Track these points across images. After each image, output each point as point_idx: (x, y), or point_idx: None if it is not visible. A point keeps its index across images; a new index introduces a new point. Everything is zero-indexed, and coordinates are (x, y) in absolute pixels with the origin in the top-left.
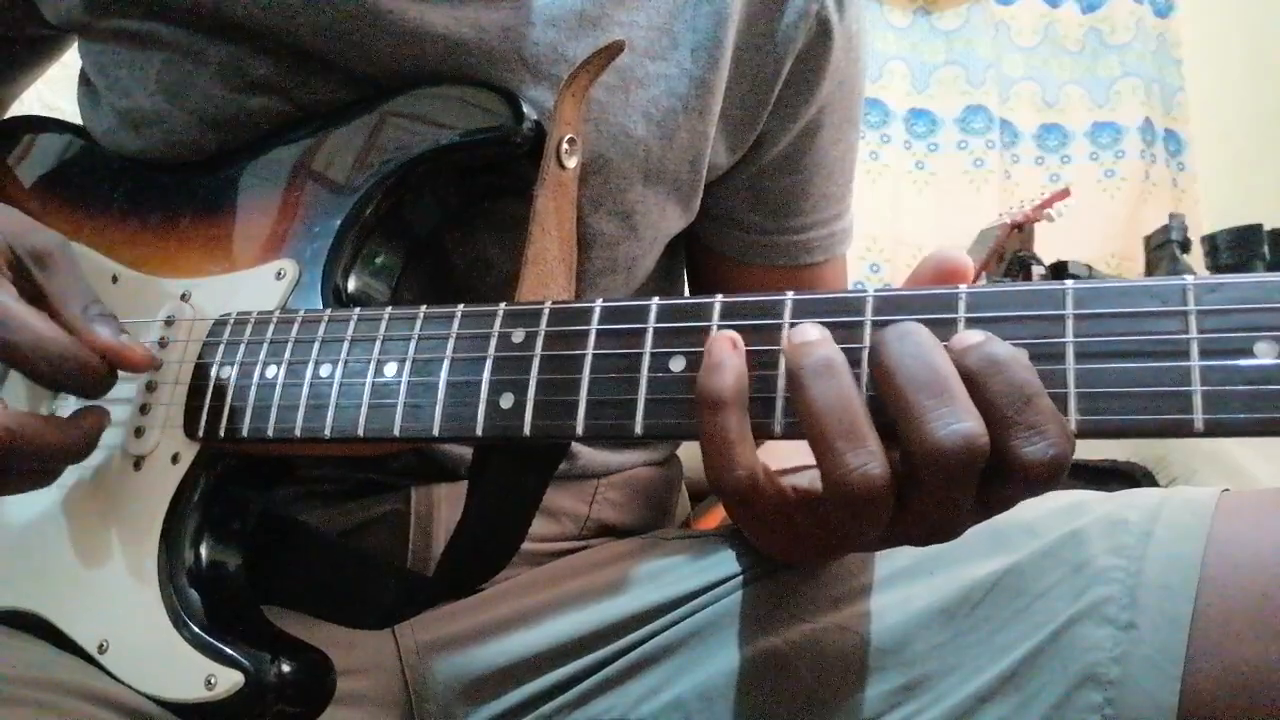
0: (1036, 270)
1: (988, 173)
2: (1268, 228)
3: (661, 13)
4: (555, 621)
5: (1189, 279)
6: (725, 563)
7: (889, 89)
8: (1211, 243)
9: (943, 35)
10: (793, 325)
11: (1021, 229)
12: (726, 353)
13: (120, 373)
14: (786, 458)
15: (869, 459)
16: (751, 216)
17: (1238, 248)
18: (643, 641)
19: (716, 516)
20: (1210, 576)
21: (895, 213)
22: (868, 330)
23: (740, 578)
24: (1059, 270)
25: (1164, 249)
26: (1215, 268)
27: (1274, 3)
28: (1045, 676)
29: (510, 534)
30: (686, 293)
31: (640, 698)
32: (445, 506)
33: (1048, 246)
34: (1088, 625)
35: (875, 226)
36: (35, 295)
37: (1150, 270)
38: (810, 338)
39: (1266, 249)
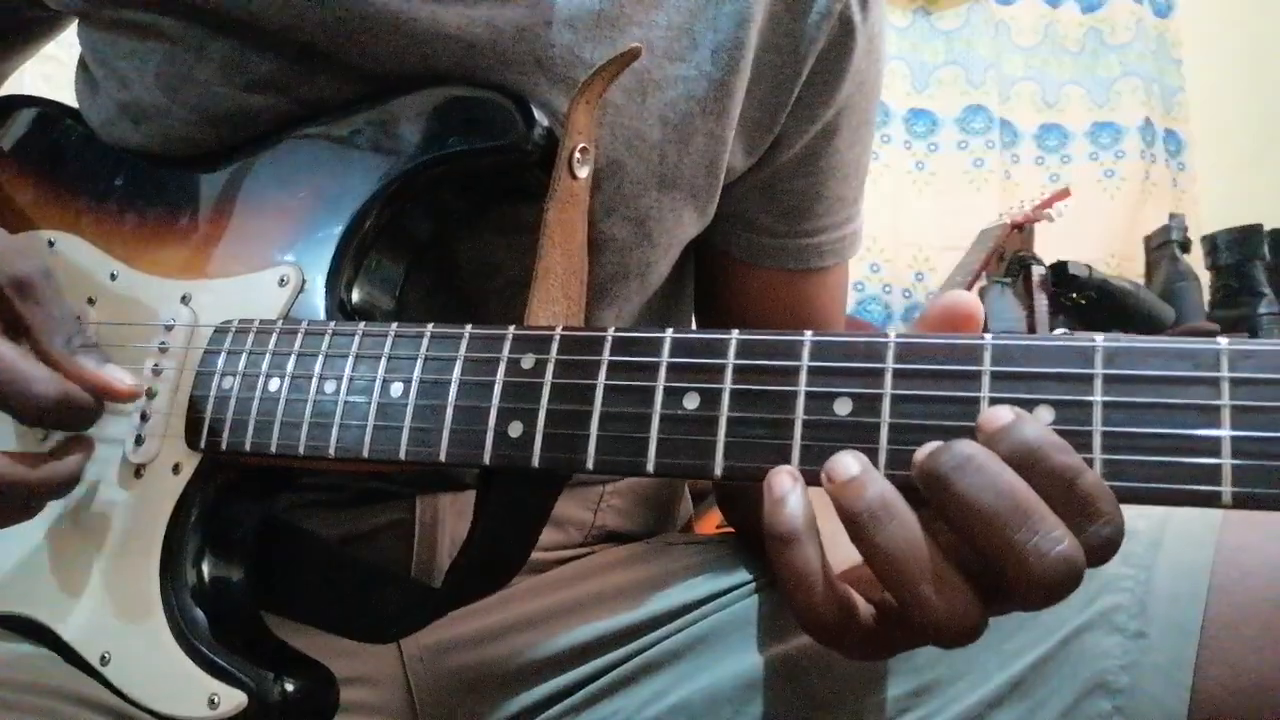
0: (1036, 270)
1: (988, 173)
2: (1268, 228)
3: (682, 12)
4: (561, 626)
5: (1223, 342)
6: (736, 569)
7: (889, 89)
8: (1211, 243)
9: (942, 35)
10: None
11: (1021, 229)
12: (788, 486)
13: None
14: None
15: (965, 603)
16: (764, 218)
17: (1238, 248)
18: (649, 647)
19: (715, 517)
20: (1219, 585)
21: (895, 213)
22: (889, 378)
23: (752, 584)
24: (1059, 270)
25: (1164, 249)
26: (1215, 268)
27: (1274, 3)
28: (1054, 684)
29: (518, 548)
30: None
31: (645, 702)
32: (450, 516)
33: (1048, 246)
34: (1097, 633)
35: (875, 226)
36: (15, 325)
37: (1150, 270)
38: (853, 472)
39: (1266, 249)
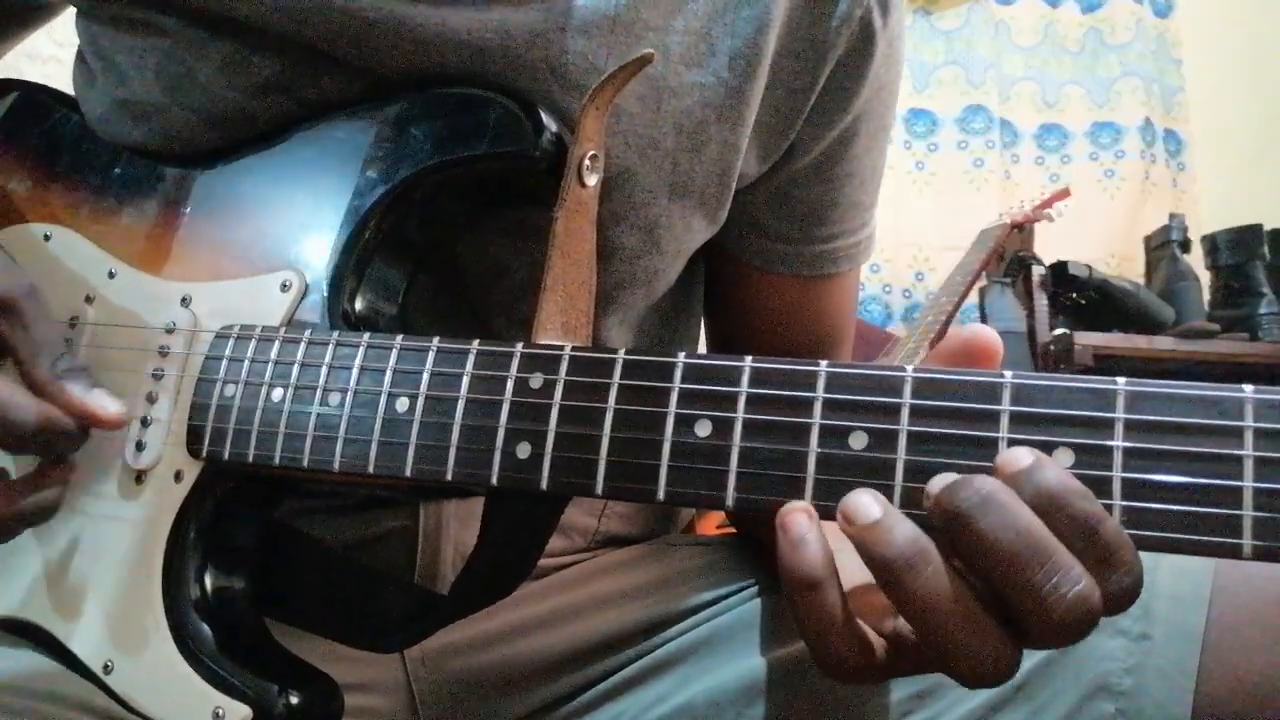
0: (1036, 270)
1: (988, 173)
2: (1268, 228)
3: (700, 17)
4: (564, 630)
5: (1248, 390)
6: (738, 572)
7: None
8: (1211, 243)
9: (942, 35)
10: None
11: (1021, 229)
12: (805, 526)
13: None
14: None
15: (1003, 650)
16: (777, 224)
17: (1238, 248)
18: (652, 650)
19: (716, 517)
20: (1222, 587)
21: (895, 213)
22: (905, 414)
23: (755, 587)
24: (1059, 270)
25: (1164, 249)
26: (1215, 268)
27: (1274, 3)
28: (1057, 686)
29: (524, 561)
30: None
31: (648, 704)
32: (454, 523)
33: (1048, 246)
34: (1100, 636)
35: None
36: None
37: (1150, 270)
38: (875, 515)
39: (1266, 249)
